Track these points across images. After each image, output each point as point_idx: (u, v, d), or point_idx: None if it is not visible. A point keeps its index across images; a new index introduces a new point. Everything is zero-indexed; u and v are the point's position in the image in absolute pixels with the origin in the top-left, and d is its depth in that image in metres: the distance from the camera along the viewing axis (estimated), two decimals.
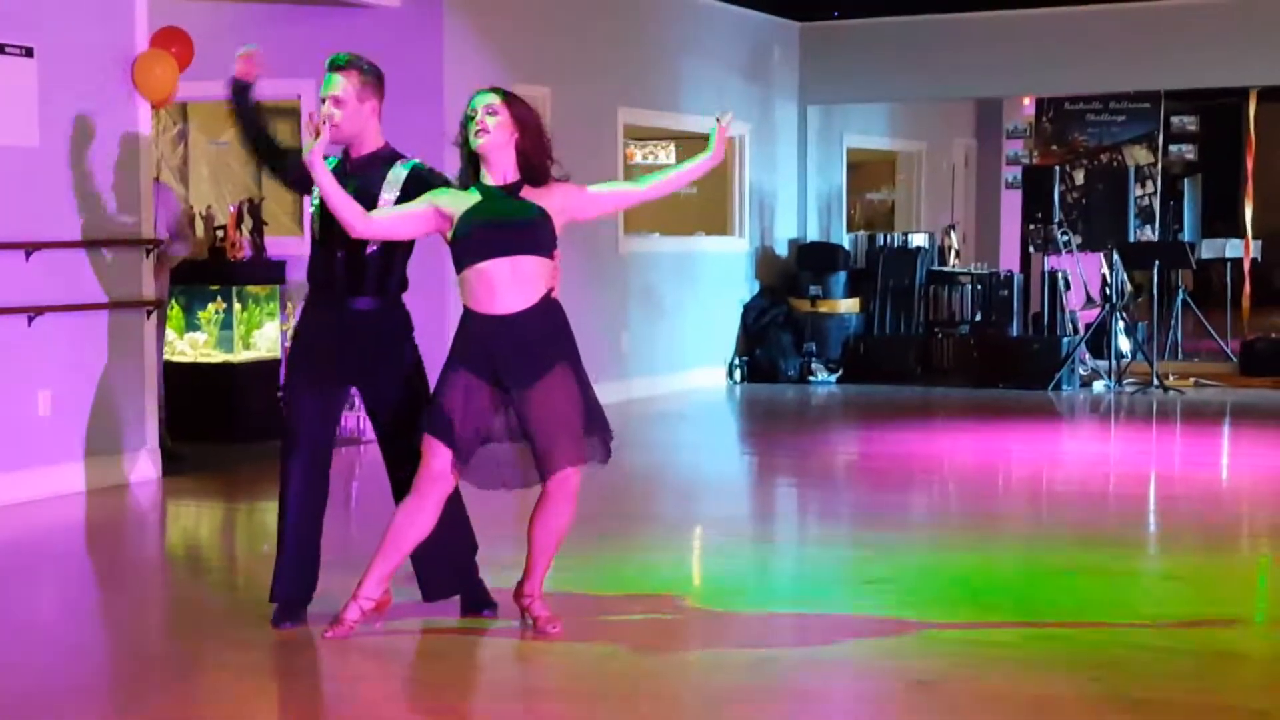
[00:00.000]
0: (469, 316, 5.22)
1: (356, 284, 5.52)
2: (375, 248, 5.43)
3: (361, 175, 5.41)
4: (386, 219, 5.32)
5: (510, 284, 5.15)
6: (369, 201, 5.32)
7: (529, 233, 5.17)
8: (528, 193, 5.20)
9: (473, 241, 5.16)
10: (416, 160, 5.45)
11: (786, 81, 15.21)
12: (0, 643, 5.52)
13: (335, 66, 5.46)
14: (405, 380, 5.54)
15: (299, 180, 5.53)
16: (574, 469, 5.22)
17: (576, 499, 5.30)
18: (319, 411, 5.53)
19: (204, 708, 4.87)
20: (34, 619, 5.97)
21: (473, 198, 5.19)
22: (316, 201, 5.43)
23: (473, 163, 5.22)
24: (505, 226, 5.15)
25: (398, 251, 5.48)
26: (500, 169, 5.19)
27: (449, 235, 5.20)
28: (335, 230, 5.38)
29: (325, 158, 5.26)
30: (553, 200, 5.22)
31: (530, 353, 5.17)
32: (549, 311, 5.24)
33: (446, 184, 5.32)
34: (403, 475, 5.41)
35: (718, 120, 5.26)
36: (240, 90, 5.68)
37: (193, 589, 6.58)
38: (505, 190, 5.19)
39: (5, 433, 7.93)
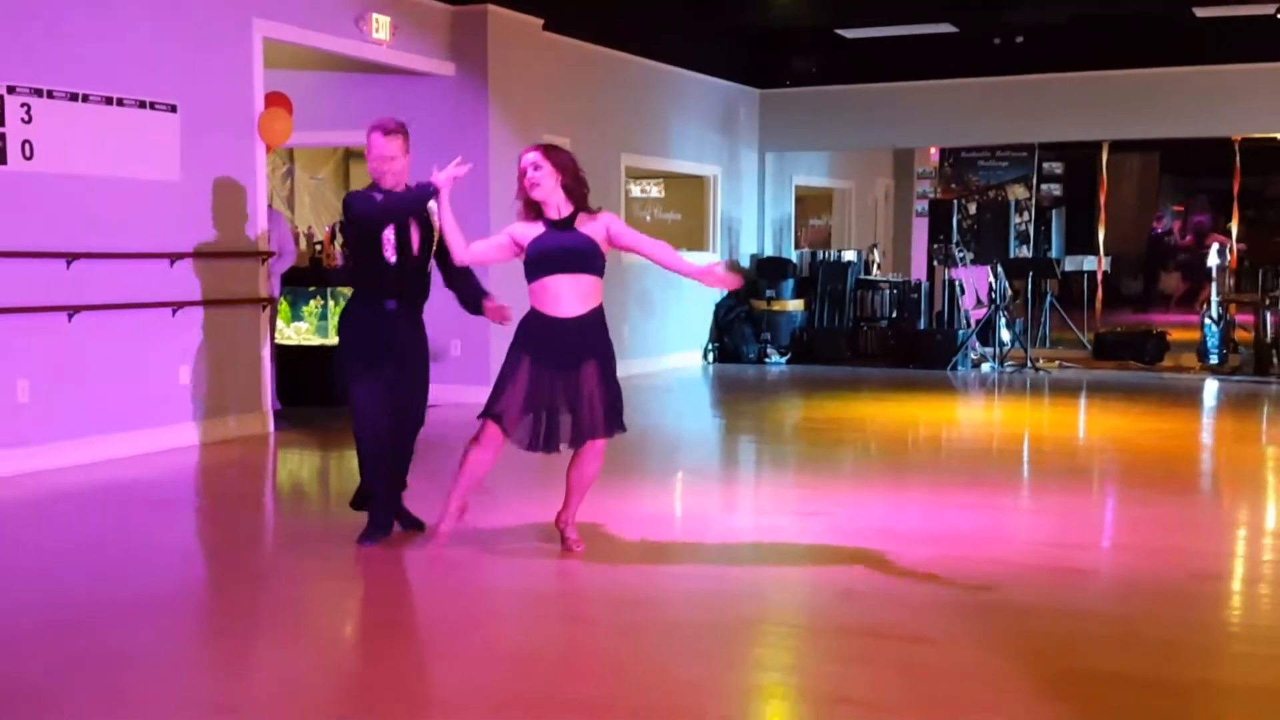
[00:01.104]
0: (535, 316, 5.21)
1: (419, 292, 5.57)
2: (428, 266, 5.55)
3: (399, 202, 5.44)
4: (481, 248, 5.37)
5: (570, 295, 5.16)
6: (407, 219, 5.42)
7: (583, 257, 5.17)
8: (581, 224, 5.20)
9: (541, 261, 5.16)
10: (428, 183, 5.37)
11: (749, 134, 15.20)
12: (138, 552, 5.55)
13: (388, 131, 5.51)
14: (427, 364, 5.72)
15: (375, 219, 5.44)
16: (603, 439, 5.29)
17: (603, 457, 5.38)
18: (374, 388, 5.47)
19: (295, 605, 4.89)
20: (165, 539, 5.99)
21: (539, 228, 5.19)
22: (393, 235, 5.42)
23: (532, 206, 5.22)
24: (566, 250, 5.16)
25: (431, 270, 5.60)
26: (554, 206, 5.19)
27: (524, 256, 5.21)
28: (409, 252, 5.42)
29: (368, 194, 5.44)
30: (599, 230, 5.22)
31: (577, 347, 5.19)
32: (596, 319, 5.25)
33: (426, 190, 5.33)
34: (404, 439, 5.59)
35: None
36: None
37: (295, 516, 6.60)
38: (563, 223, 5.19)
39: (155, 397, 7.96)
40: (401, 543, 5.53)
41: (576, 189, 5.21)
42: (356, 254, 5.58)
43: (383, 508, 5.58)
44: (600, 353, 5.28)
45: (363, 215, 5.42)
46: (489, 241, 5.43)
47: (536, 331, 5.20)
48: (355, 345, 5.52)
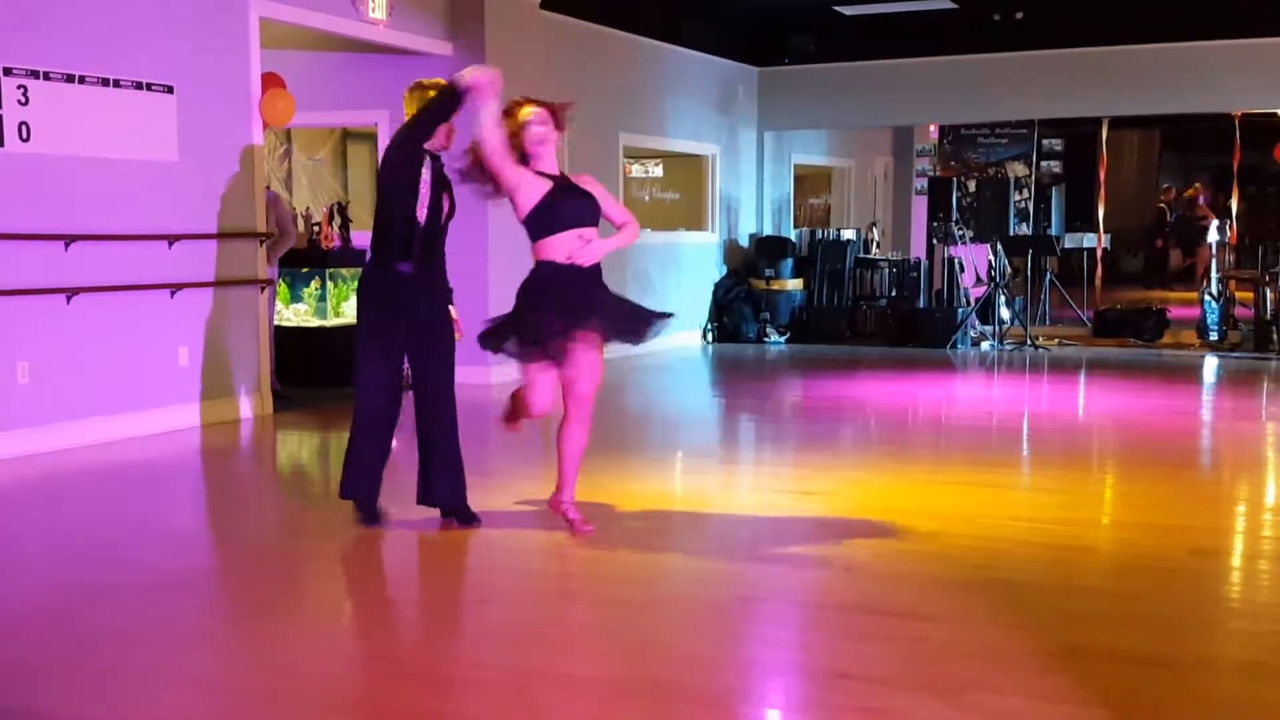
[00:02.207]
0: (550, 268, 5.21)
1: (438, 250, 5.50)
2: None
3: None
4: (499, 150, 5.26)
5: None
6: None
7: (593, 211, 5.29)
8: (582, 182, 5.34)
9: (560, 217, 5.20)
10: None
11: (748, 113, 15.17)
12: (141, 533, 5.57)
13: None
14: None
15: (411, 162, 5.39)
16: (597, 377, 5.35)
17: (591, 420, 5.39)
18: (379, 357, 5.44)
19: (298, 584, 4.91)
20: (167, 520, 6.00)
21: (540, 183, 5.22)
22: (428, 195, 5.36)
23: (523, 159, 5.25)
24: (586, 206, 5.25)
25: None
26: (547, 162, 5.28)
27: (532, 212, 5.21)
28: (439, 210, 5.41)
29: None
30: (596, 190, 5.35)
31: (588, 299, 5.27)
32: (599, 272, 5.33)
33: None
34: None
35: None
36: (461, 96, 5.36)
37: (296, 496, 6.61)
38: (564, 181, 5.28)
39: (154, 379, 7.97)
40: (406, 524, 5.55)
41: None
42: (395, 214, 5.36)
43: (371, 495, 5.55)
44: (609, 298, 5.39)
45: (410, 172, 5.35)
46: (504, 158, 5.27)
47: (553, 284, 5.20)
48: (368, 310, 5.43)
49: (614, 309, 5.40)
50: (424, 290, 5.43)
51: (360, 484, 5.54)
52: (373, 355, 5.41)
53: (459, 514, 5.53)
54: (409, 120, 5.37)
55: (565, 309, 5.19)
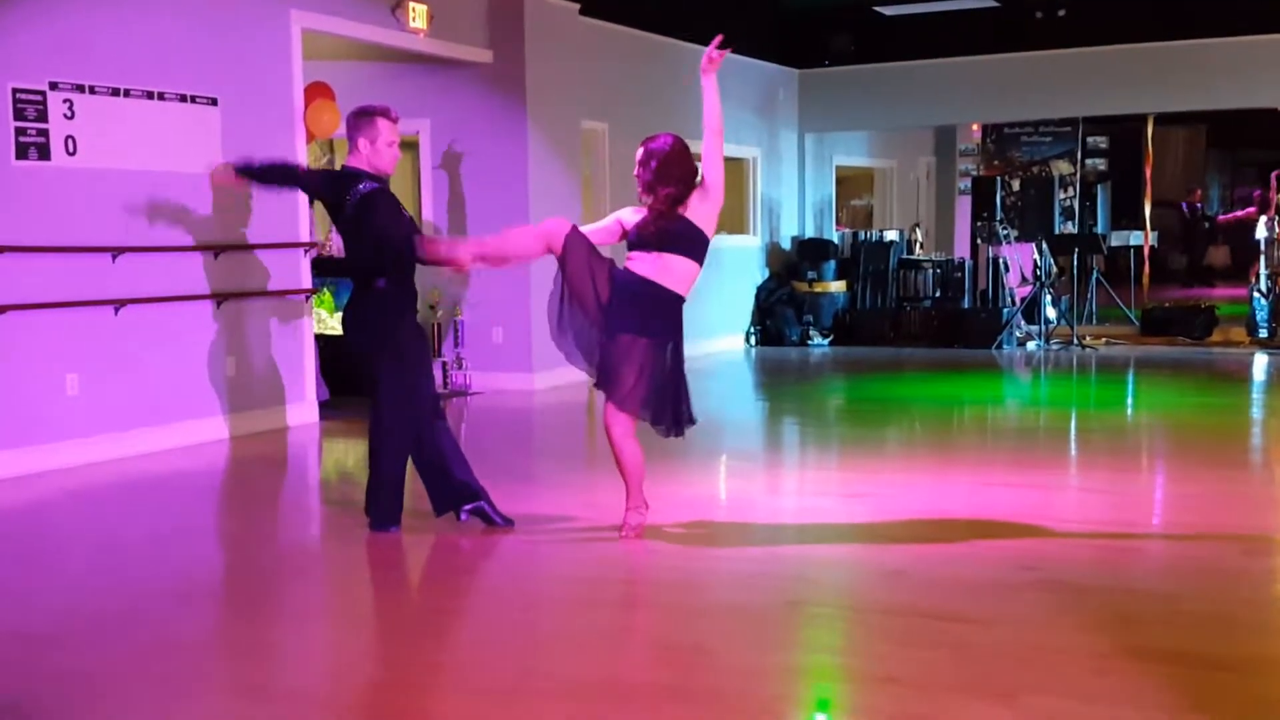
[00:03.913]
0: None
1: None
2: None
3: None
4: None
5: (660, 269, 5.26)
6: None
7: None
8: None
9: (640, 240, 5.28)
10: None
11: (788, 115, 15.13)
12: (188, 541, 5.61)
13: (396, 118, 5.57)
14: None
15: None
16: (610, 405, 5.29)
17: (609, 432, 5.33)
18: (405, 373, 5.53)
19: (342, 592, 4.93)
20: (215, 528, 6.05)
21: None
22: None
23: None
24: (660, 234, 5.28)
25: None
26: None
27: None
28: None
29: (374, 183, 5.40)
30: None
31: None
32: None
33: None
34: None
35: None
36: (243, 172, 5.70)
37: (341, 504, 6.65)
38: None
39: (203, 389, 8.05)
40: (444, 531, 5.56)
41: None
42: (385, 241, 5.39)
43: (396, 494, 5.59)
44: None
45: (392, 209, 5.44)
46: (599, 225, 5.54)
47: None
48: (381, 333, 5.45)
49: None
50: (410, 306, 5.56)
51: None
52: (402, 370, 5.44)
53: (486, 503, 5.55)
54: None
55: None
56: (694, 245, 5.27)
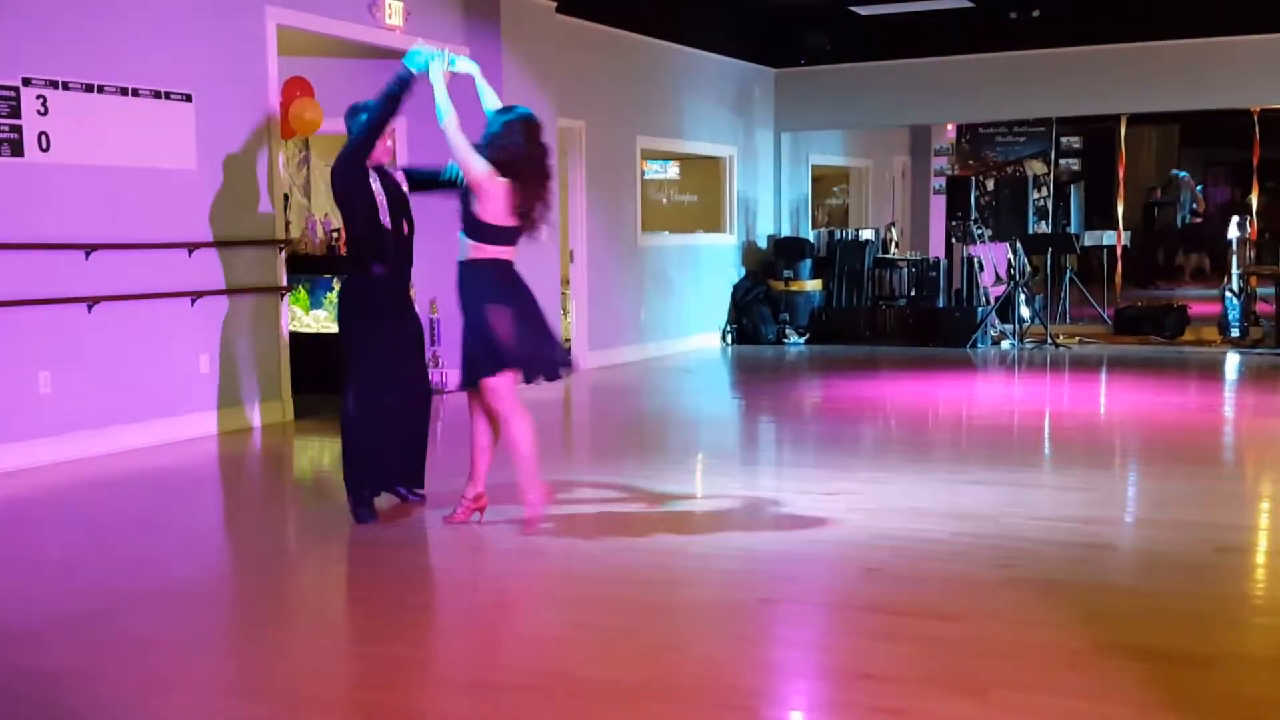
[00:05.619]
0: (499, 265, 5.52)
1: (408, 261, 5.88)
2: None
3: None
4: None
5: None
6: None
7: None
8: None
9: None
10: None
11: (765, 114, 15.17)
12: (163, 539, 5.59)
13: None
14: None
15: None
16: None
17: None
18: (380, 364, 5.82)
19: (319, 590, 4.91)
20: (189, 526, 6.02)
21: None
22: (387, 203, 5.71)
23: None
24: None
25: None
26: None
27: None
28: (404, 216, 5.73)
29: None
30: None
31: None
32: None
33: None
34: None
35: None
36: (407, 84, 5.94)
37: (317, 502, 6.63)
38: None
39: (176, 386, 8.00)
40: (424, 528, 5.55)
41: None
42: (363, 225, 5.66)
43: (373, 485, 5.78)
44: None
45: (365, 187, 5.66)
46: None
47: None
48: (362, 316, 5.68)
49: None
50: (403, 298, 5.78)
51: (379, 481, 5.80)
52: (374, 358, 5.66)
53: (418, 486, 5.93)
54: (351, 137, 5.67)
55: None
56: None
